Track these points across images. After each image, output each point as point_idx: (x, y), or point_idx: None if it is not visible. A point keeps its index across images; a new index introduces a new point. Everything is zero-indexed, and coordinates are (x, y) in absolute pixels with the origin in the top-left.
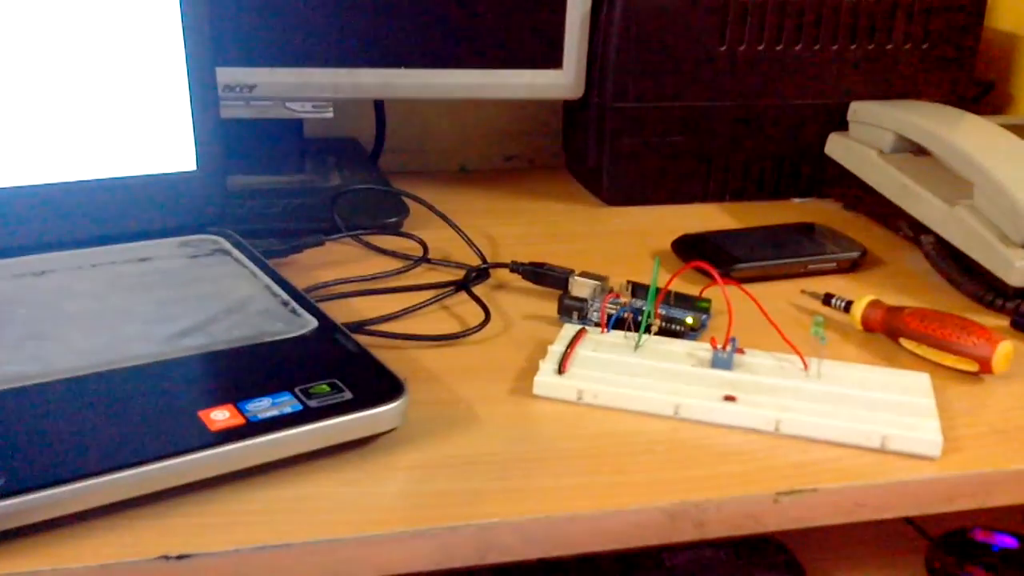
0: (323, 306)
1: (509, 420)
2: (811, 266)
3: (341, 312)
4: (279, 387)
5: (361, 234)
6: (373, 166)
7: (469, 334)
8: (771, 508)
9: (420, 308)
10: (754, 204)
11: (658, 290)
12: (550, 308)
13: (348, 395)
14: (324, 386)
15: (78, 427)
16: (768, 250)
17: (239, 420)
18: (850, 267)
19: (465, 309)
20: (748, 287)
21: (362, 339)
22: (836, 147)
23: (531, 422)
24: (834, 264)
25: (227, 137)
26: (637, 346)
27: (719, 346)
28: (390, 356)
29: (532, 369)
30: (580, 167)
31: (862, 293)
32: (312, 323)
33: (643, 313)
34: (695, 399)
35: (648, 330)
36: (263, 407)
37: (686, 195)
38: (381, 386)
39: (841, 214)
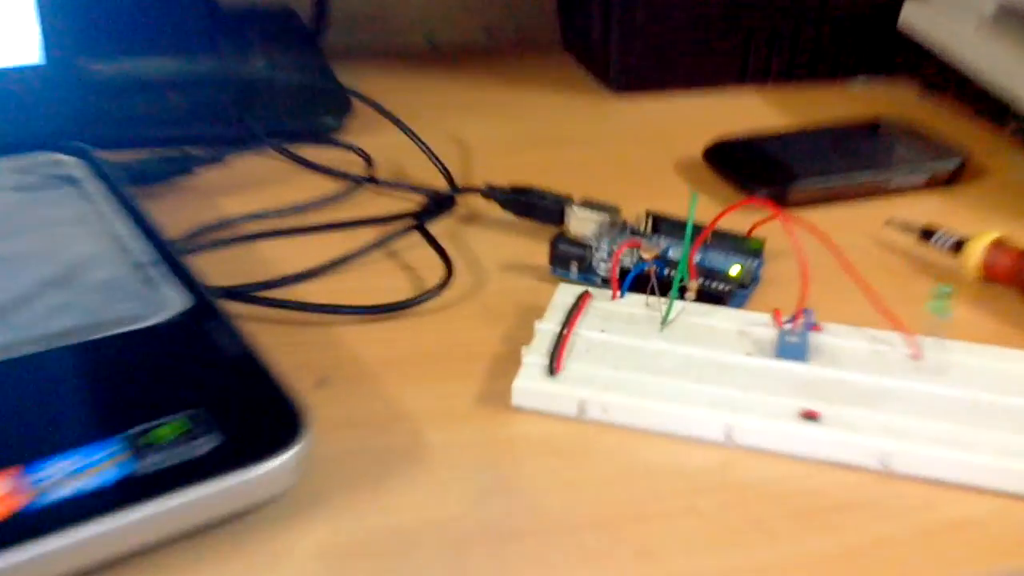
0: (214, 258)
1: (474, 456)
2: (893, 182)
3: (242, 265)
4: (104, 429)
5: (282, 145)
6: (311, 46)
7: (420, 301)
8: None
9: (357, 257)
10: (804, 89)
11: (696, 235)
12: (540, 253)
13: (216, 439)
14: (179, 424)
15: None
16: (833, 160)
17: (17, 500)
18: (946, 181)
19: (422, 257)
20: (809, 214)
21: (262, 313)
22: (916, 16)
23: (509, 459)
24: (925, 178)
25: (100, 8)
26: (664, 322)
27: (786, 322)
28: (304, 340)
29: (512, 356)
30: (581, 43)
31: (966, 220)
32: (176, 301)
33: (672, 266)
34: (757, 415)
35: (682, 294)
36: (65, 474)
37: (718, 78)
38: (273, 418)
39: (920, 103)
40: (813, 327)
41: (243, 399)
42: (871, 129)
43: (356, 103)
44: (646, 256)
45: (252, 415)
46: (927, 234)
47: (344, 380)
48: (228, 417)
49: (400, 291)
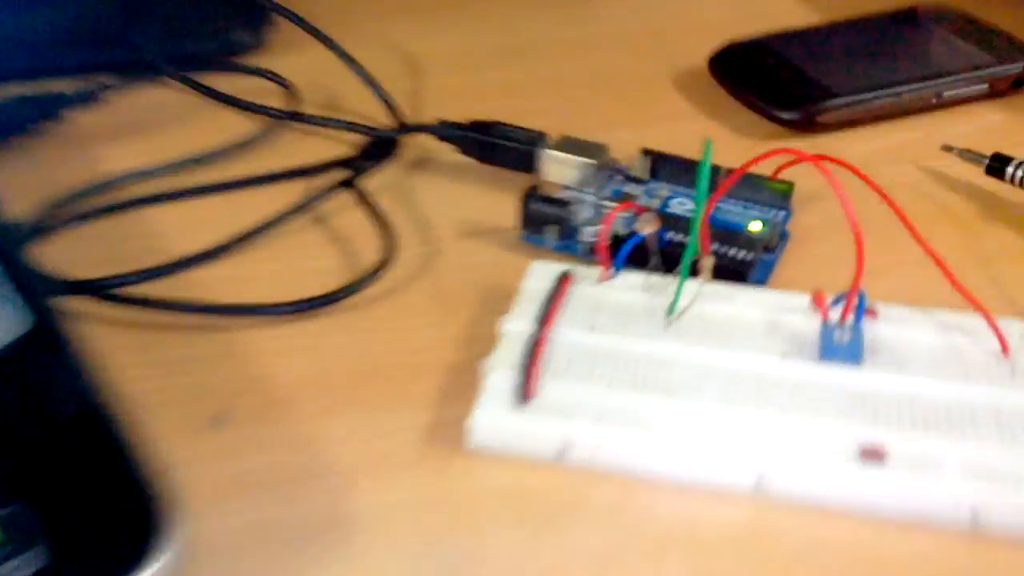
0: (84, 236)
1: (420, 526)
2: (946, 94)
3: (122, 245)
4: None
5: (182, 72)
6: None
7: (349, 293)
8: None
9: (273, 227)
10: None
11: (709, 192)
12: (508, 210)
13: (39, 558)
14: None
15: None
16: (868, 68)
17: None
18: (1010, 87)
19: (358, 222)
20: (844, 141)
21: (141, 318)
22: None
23: (466, 528)
24: (985, 87)
25: None
26: (671, 314)
27: (830, 310)
28: (198, 353)
29: (471, 366)
30: None
31: None
32: (4, 323)
33: (677, 227)
34: (799, 454)
35: (693, 272)
36: None
37: None
38: (131, 519)
39: None
40: (867, 312)
41: (88, 488)
42: (910, 20)
43: (277, 16)
44: (645, 230)
45: (99, 515)
46: (999, 165)
47: (248, 413)
48: (61, 519)
49: (330, 272)
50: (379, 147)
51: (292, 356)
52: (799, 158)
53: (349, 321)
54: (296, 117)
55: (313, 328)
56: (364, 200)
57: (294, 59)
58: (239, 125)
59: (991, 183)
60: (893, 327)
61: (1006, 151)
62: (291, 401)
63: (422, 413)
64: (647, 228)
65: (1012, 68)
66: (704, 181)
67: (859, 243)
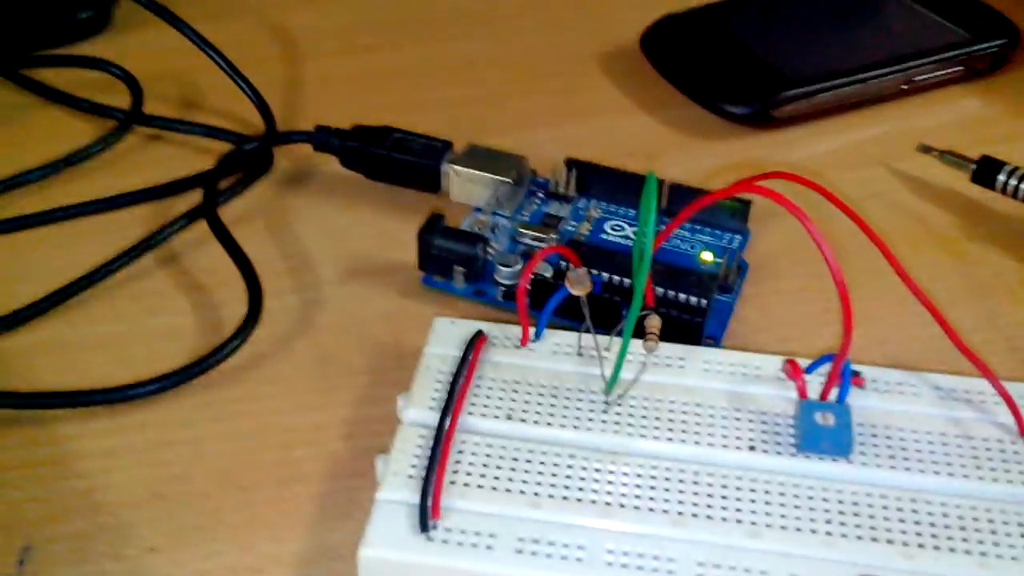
0: None
1: None
2: (918, 77)
3: None
4: None
5: (10, 64)
6: None
7: (199, 372)
8: None
9: (108, 273)
10: None
11: (659, 229)
12: (407, 240)
13: None
14: None
15: None
16: (828, 46)
17: None
18: (987, 68)
19: (218, 262)
20: (802, 136)
21: None
22: None
23: None
24: (960, 69)
25: None
26: (610, 391)
27: (807, 384)
28: (2, 465)
29: (361, 465)
30: None
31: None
32: None
33: (612, 265)
34: None
35: (639, 332)
36: None
37: None
38: None
39: None
40: (852, 379)
41: None
42: None
43: None
44: (575, 290)
45: None
46: (986, 169)
47: (67, 548)
48: None
49: (181, 334)
50: (245, 159)
51: (126, 460)
52: (766, 194)
53: (202, 405)
54: (141, 120)
55: (155, 418)
56: (222, 235)
57: (141, 46)
58: (70, 131)
59: (977, 190)
60: (884, 399)
61: (988, 143)
62: (123, 527)
63: (297, 537)
64: (578, 290)
65: (990, 46)
66: (649, 228)
67: (846, 303)
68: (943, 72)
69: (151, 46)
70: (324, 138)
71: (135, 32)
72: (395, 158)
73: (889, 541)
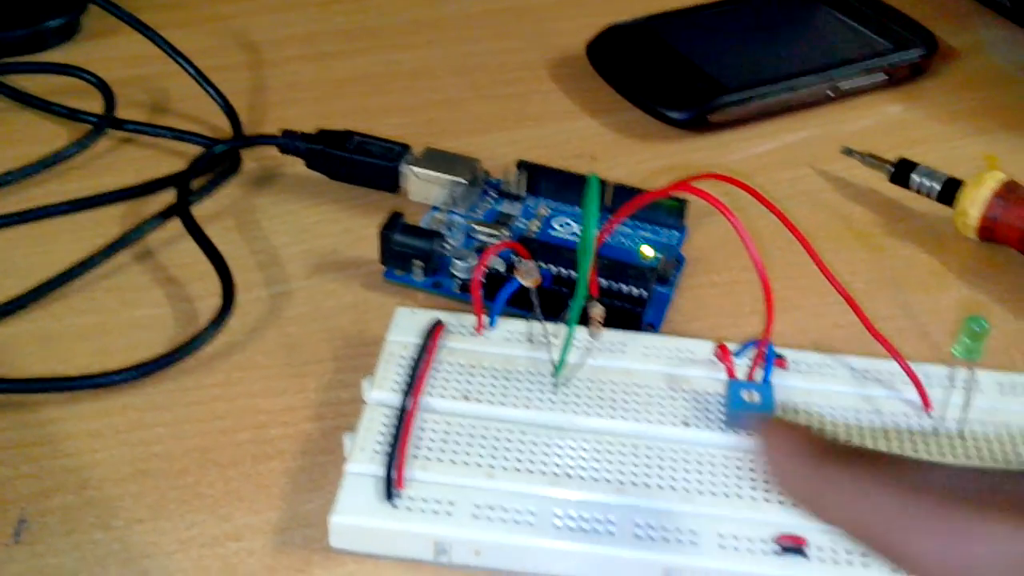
0: None
1: None
2: (843, 84)
3: None
4: None
5: None
6: None
7: (176, 359)
8: None
9: (87, 268)
10: None
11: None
12: (369, 236)
13: None
14: None
15: None
16: (761, 56)
17: None
18: (908, 76)
19: (190, 257)
20: (735, 140)
21: None
22: None
23: None
24: (883, 78)
25: None
26: (557, 375)
27: (735, 366)
28: None
29: (329, 441)
30: None
31: (939, 131)
32: None
33: (560, 260)
34: (711, 552)
35: (584, 319)
36: None
37: None
38: None
39: None
40: (776, 360)
41: None
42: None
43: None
44: (526, 282)
45: None
46: (901, 172)
47: (58, 520)
48: None
49: (157, 324)
50: (214, 161)
51: (110, 440)
52: (699, 194)
53: (179, 390)
54: (114, 124)
55: (136, 402)
56: (195, 232)
57: (112, 53)
58: (45, 134)
59: (895, 190)
60: (804, 379)
61: (907, 146)
62: (110, 500)
63: (272, 507)
64: (528, 281)
65: (910, 55)
66: (591, 224)
67: (768, 296)
68: (867, 80)
69: (120, 53)
70: (290, 141)
71: (104, 39)
72: (357, 160)
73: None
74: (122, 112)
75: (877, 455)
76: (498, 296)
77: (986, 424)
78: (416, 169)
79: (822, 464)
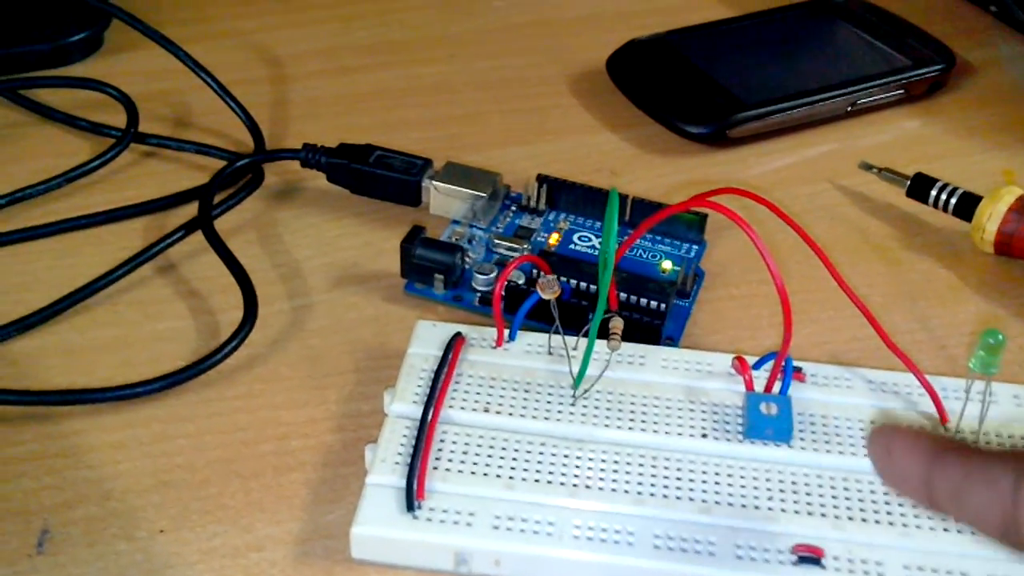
0: None
1: None
2: (862, 100)
3: None
4: None
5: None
6: None
7: (199, 371)
8: None
9: (110, 281)
10: None
11: (622, 240)
12: (390, 250)
13: None
14: None
15: None
16: (780, 72)
17: None
18: (926, 91)
19: (212, 270)
20: (754, 155)
21: None
22: None
23: None
24: (901, 94)
25: None
26: (577, 386)
27: (754, 379)
28: (17, 452)
29: (351, 454)
30: None
31: (957, 146)
32: None
33: (581, 274)
34: (728, 562)
35: (603, 333)
36: None
37: None
38: None
39: None
40: (794, 373)
41: None
42: (822, 16)
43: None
44: (546, 295)
45: None
46: (920, 187)
47: (81, 531)
48: None
49: (180, 337)
50: (236, 175)
51: (133, 451)
52: (717, 209)
53: (201, 402)
54: (137, 138)
55: (159, 414)
56: (218, 245)
57: (135, 67)
58: (68, 148)
59: (913, 204)
60: (822, 392)
61: (925, 161)
62: (133, 512)
63: (293, 518)
64: (548, 294)
65: (929, 71)
66: (611, 238)
67: (786, 309)
68: (885, 95)
69: (143, 67)
70: (311, 155)
71: (127, 53)
72: (379, 174)
73: (823, 515)
74: (145, 126)
75: (988, 450)
76: (519, 309)
77: (1002, 436)
78: (437, 183)
79: (938, 460)
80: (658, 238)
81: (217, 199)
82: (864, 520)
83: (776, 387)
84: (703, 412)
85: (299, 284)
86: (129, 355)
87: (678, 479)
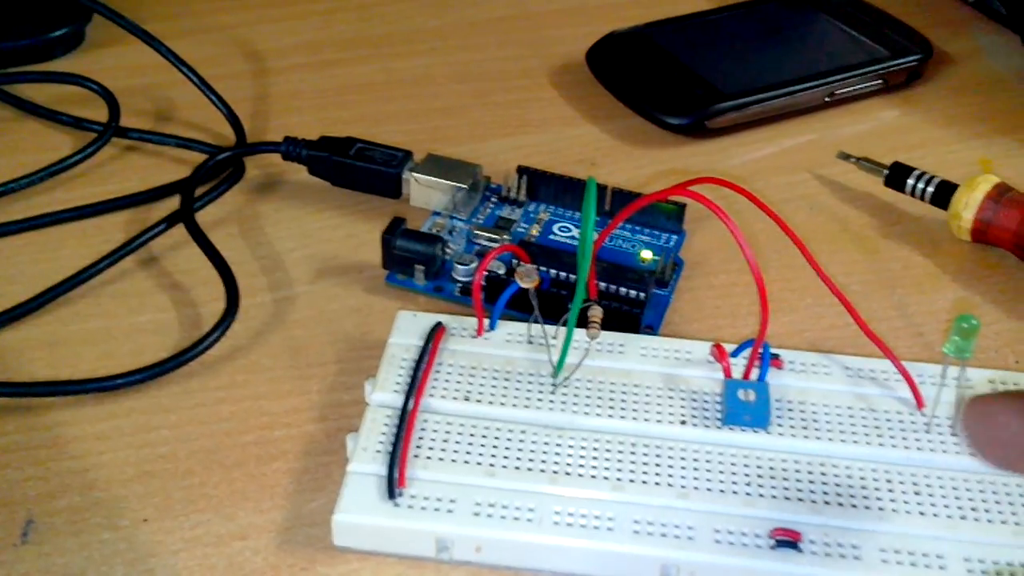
0: None
1: None
2: (840, 90)
3: None
4: None
5: None
6: None
7: (181, 362)
8: None
9: (92, 274)
10: None
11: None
12: (371, 242)
13: None
14: None
15: None
16: (758, 62)
17: None
18: (904, 81)
19: (194, 263)
20: (731, 145)
21: None
22: None
23: None
24: (879, 84)
25: None
26: (557, 374)
27: (732, 366)
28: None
29: (332, 442)
30: None
31: (934, 135)
32: None
33: (566, 267)
34: (706, 546)
35: (583, 321)
36: None
37: None
38: None
39: None
40: (772, 360)
41: None
42: (800, 6)
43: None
44: (525, 284)
45: None
46: (897, 176)
47: (65, 518)
48: None
49: (162, 329)
50: (218, 168)
51: (116, 442)
52: (696, 198)
53: (184, 393)
54: (119, 132)
55: (142, 405)
56: (200, 238)
57: (116, 62)
58: (50, 142)
59: (890, 193)
60: (799, 378)
61: (903, 150)
62: (116, 501)
63: (276, 507)
64: (527, 283)
65: (907, 62)
66: (589, 227)
67: (763, 297)
68: (863, 85)
69: (124, 62)
70: (292, 148)
71: (108, 49)
72: (359, 166)
73: (800, 500)
74: (126, 120)
75: None
76: (499, 299)
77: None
78: (418, 175)
79: None
80: (637, 228)
81: (199, 192)
82: (840, 504)
83: (754, 374)
84: (682, 399)
85: (281, 276)
86: (112, 347)
87: (657, 465)
